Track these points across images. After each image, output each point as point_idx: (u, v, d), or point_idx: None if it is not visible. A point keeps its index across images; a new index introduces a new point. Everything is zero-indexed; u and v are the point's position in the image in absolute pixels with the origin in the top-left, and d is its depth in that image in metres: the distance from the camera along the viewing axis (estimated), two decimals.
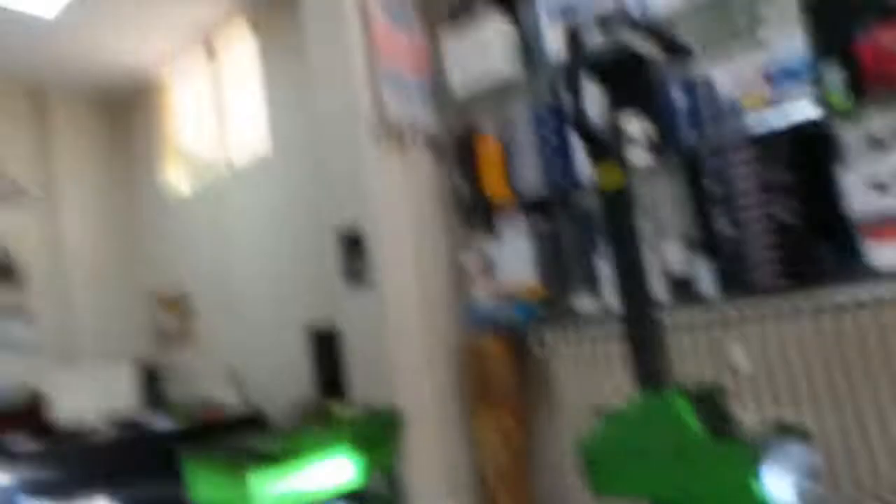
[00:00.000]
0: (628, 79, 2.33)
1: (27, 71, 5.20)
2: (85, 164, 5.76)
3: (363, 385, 3.19)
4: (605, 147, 1.86)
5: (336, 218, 3.29)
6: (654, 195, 2.74)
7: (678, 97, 2.60)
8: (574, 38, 1.97)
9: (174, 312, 5.56)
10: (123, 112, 5.96)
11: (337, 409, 3.23)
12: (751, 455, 1.56)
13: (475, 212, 3.27)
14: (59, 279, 5.56)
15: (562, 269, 2.96)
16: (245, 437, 2.89)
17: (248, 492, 2.36)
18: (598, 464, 1.82)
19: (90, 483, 3.19)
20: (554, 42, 2.92)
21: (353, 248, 3.21)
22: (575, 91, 1.85)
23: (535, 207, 3.07)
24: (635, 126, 2.61)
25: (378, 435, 2.84)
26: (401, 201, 3.26)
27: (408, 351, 3.12)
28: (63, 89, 5.58)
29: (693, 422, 1.66)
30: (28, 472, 3.05)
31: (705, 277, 2.53)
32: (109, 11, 4.44)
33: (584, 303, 2.88)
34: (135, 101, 5.85)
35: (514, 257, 3.09)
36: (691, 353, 2.58)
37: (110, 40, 4.87)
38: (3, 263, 5.31)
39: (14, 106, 5.46)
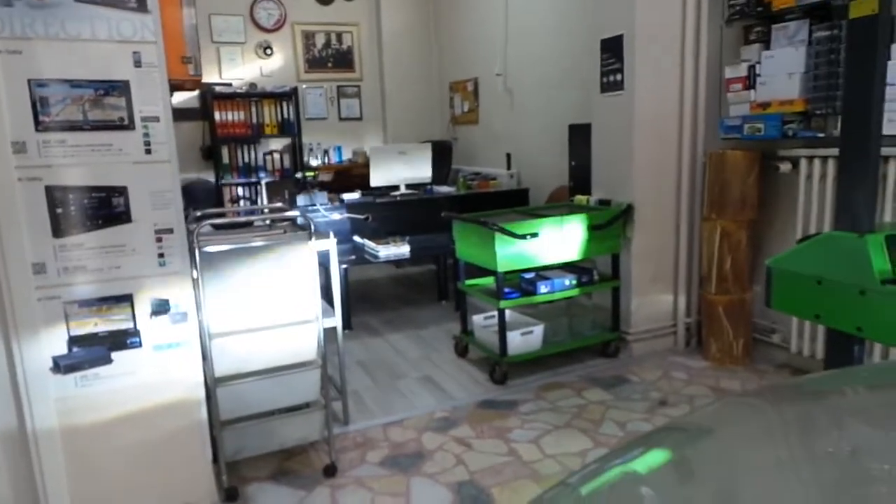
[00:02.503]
0: None
1: None
2: None
3: (605, 179, 3.52)
4: None
5: (601, 28, 3.40)
6: None
7: None
8: None
9: (463, 96, 6.32)
10: None
11: (579, 198, 3.65)
12: None
13: (750, 18, 3.05)
14: (378, 65, 6.73)
15: (832, 83, 2.71)
16: (504, 211, 3.52)
17: (494, 255, 3.03)
18: (780, 281, 1.97)
19: (392, 229, 4.26)
20: None
21: (612, 54, 3.33)
22: None
23: (818, 11, 2.75)
24: None
25: (609, 222, 3.23)
26: (668, 12, 3.22)
27: (649, 152, 3.30)
28: None
29: (882, 266, 1.69)
30: (352, 215, 4.20)
31: None
32: None
33: None
34: None
35: (781, 68, 2.89)
36: None
37: None
38: (347, 52, 6.63)
39: None
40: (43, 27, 1.85)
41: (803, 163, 2.89)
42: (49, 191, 1.91)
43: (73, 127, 1.92)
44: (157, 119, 2.02)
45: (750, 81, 3.05)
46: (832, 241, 1.85)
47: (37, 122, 1.88)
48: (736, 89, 3.10)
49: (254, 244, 2.25)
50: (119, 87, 1.97)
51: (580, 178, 4.09)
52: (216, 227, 2.52)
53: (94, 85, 1.95)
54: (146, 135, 2.01)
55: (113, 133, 1.97)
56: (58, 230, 1.93)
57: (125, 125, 1.99)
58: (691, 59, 3.26)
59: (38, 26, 1.84)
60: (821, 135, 2.77)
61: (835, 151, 2.71)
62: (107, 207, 2.00)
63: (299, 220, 2.60)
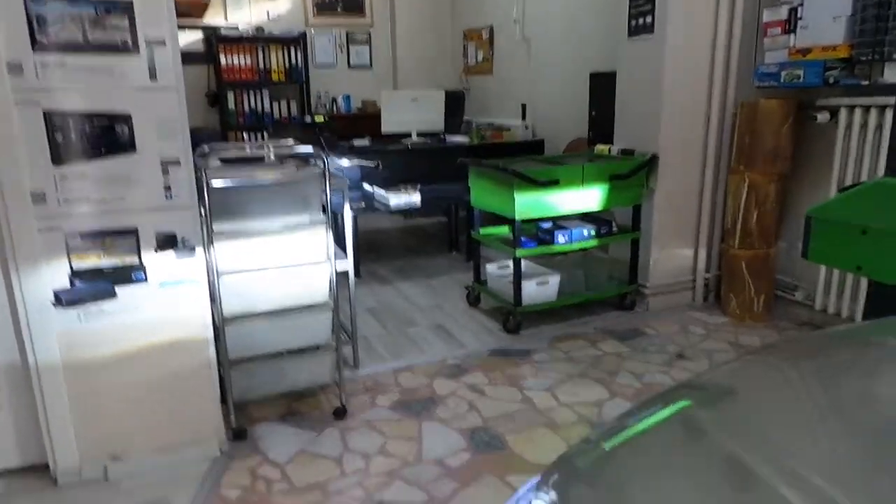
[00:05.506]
0: None
1: None
2: None
3: (629, 128, 3.37)
4: None
5: None
6: None
7: None
8: None
9: (478, 45, 6.10)
10: None
11: (600, 147, 3.51)
12: None
13: None
14: (389, 11, 6.48)
15: (880, 26, 2.54)
16: (521, 158, 3.39)
17: (512, 202, 2.92)
18: (820, 231, 1.86)
19: (403, 177, 4.14)
20: None
21: None
22: None
23: None
24: None
25: (631, 173, 3.11)
26: None
27: (678, 100, 3.15)
28: None
29: None
30: (362, 161, 4.07)
31: None
32: None
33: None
34: None
35: (825, 11, 2.71)
36: None
37: None
38: None
39: None
40: None
41: (843, 112, 2.74)
42: (48, 116, 1.80)
43: (72, 48, 1.80)
44: (162, 42, 1.89)
45: (790, 25, 2.87)
46: (882, 189, 1.73)
47: (34, 42, 1.76)
48: (774, 34, 2.93)
49: (264, 179, 2.15)
50: (121, 6, 1.84)
51: (600, 129, 3.95)
52: (225, 161, 2.41)
53: (94, 3, 1.81)
54: (151, 59, 1.89)
55: (115, 56, 1.85)
56: (58, 158, 1.83)
57: (128, 48, 1.86)
58: (727, 0, 3.08)
59: None
60: (865, 82, 2.61)
61: (879, 100, 2.57)
62: (109, 135, 1.89)
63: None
